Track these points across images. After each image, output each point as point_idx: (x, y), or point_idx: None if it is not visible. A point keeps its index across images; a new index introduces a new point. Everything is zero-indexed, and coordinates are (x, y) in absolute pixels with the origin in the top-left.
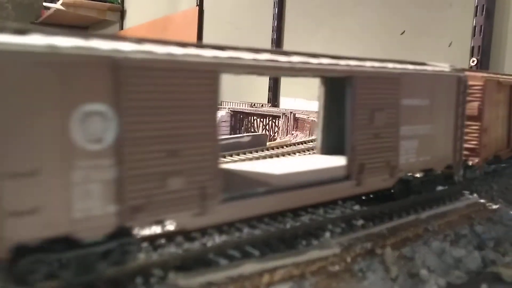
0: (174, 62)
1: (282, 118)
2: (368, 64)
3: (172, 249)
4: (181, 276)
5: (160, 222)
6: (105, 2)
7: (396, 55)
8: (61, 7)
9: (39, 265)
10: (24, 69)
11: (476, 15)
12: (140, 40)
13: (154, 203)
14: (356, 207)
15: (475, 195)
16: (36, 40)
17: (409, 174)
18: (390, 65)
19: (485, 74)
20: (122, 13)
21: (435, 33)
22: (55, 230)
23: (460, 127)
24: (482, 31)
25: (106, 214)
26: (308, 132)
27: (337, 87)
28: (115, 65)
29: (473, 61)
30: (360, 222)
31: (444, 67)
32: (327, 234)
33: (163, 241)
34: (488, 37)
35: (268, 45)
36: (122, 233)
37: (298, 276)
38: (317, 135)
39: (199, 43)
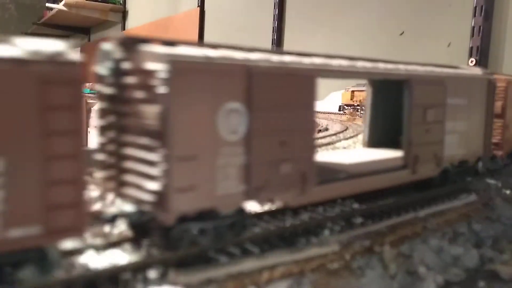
0: (286, 68)
1: None
2: (420, 68)
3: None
4: (181, 273)
5: (271, 200)
6: (107, 3)
7: (395, 55)
8: (64, 8)
9: (187, 233)
10: (189, 76)
11: (474, 16)
12: (258, 50)
13: (270, 184)
14: (355, 205)
15: (473, 193)
16: (191, 51)
17: (449, 165)
18: (437, 69)
19: (507, 76)
20: (124, 14)
21: (434, 34)
22: (205, 204)
23: (489, 124)
24: (480, 31)
25: (237, 192)
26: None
27: (384, 89)
28: (248, 71)
29: (471, 61)
30: (359, 220)
31: (476, 70)
32: (326, 232)
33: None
34: (486, 38)
35: (268, 45)
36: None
37: (298, 273)
38: (364, 130)
39: (297, 51)
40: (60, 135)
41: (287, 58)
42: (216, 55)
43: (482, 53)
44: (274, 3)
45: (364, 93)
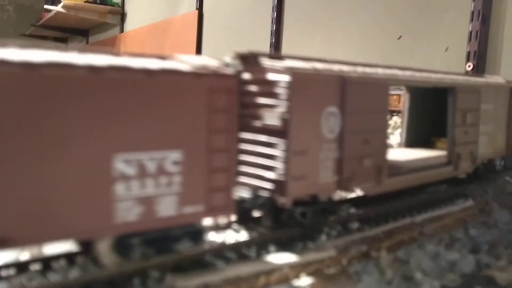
0: (368, 78)
1: None
2: (460, 78)
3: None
4: (179, 278)
5: (352, 190)
6: (106, 5)
7: (393, 59)
8: (62, 10)
9: (293, 214)
10: (303, 85)
11: (472, 21)
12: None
13: (355, 176)
14: (352, 210)
15: (470, 199)
16: (298, 64)
17: (481, 163)
18: (473, 78)
19: None
20: (122, 16)
21: (431, 38)
22: (311, 190)
23: (511, 127)
24: (478, 36)
25: (332, 182)
26: None
27: (420, 95)
28: (343, 81)
29: (469, 66)
30: (356, 225)
31: (499, 79)
32: (323, 237)
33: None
34: (484, 43)
35: (266, 48)
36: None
37: (294, 278)
38: (401, 133)
39: (370, 64)
40: (219, 133)
41: (366, 69)
42: (321, 67)
43: (480, 57)
44: (272, 6)
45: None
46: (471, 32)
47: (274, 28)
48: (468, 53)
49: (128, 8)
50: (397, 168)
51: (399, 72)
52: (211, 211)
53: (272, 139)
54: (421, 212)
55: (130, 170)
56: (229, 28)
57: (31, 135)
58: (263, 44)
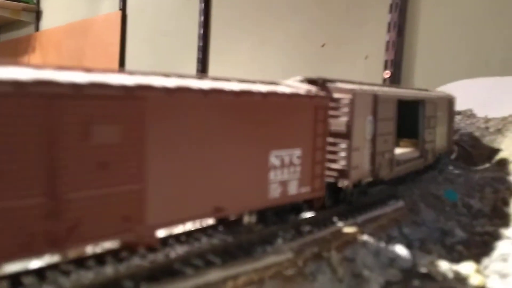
0: (387, 95)
1: None
2: (424, 93)
3: None
4: (153, 286)
5: (378, 176)
6: (19, 1)
7: (318, 65)
8: None
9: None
10: (358, 100)
11: (389, 31)
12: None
13: (380, 166)
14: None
15: (401, 200)
16: (346, 85)
17: (438, 155)
18: (433, 93)
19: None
20: (38, 14)
21: (353, 47)
22: (360, 176)
23: (451, 128)
24: (394, 46)
25: (368, 170)
26: None
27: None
28: (376, 97)
29: (386, 74)
30: (307, 228)
31: (442, 92)
32: (280, 241)
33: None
34: (399, 52)
35: (194, 52)
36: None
37: (258, 281)
38: None
39: (379, 83)
40: (319, 136)
41: (382, 88)
42: (362, 87)
43: (396, 66)
44: (200, 10)
45: None
46: (388, 42)
47: (201, 32)
48: (386, 62)
49: (44, 6)
50: (398, 160)
51: (397, 90)
52: (313, 191)
53: (338, 140)
54: (362, 213)
55: (277, 162)
56: (156, 31)
57: (231, 143)
58: (190, 48)
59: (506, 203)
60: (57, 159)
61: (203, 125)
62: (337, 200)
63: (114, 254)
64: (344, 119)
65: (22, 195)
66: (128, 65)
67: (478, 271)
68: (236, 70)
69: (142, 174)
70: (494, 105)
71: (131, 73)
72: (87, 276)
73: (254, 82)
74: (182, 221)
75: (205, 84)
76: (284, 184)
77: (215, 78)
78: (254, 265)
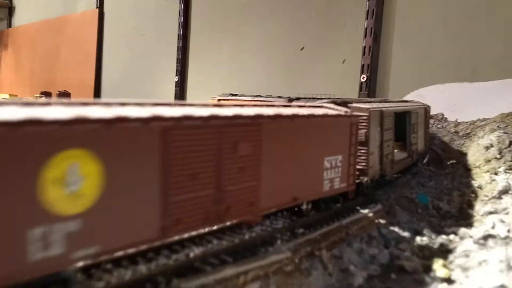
0: (389, 110)
1: None
2: (411, 105)
3: None
4: (182, 281)
5: (385, 173)
6: None
7: (299, 67)
8: None
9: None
10: (373, 117)
11: (365, 36)
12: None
13: (385, 165)
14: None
15: (379, 203)
16: (367, 105)
17: (419, 154)
18: (415, 105)
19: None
20: (10, 10)
21: (331, 50)
22: (374, 174)
23: (427, 132)
24: (370, 51)
25: (378, 169)
26: None
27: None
28: (381, 113)
29: (363, 78)
30: (301, 230)
31: (419, 103)
32: (279, 242)
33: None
34: (375, 57)
35: (174, 52)
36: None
37: (264, 276)
38: None
39: (384, 99)
40: (352, 145)
41: (385, 104)
42: (374, 105)
43: (372, 70)
44: (179, 11)
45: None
46: (364, 47)
47: (181, 32)
48: (362, 66)
49: (17, 2)
50: (396, 160)
51: (393, 104)
52: (348, 186)
53: (359, 147)
54: (346, 217)
55: (328, 165)
56: (134, 30)
57: (301, 151)
58: (169, 48)
59: (471, 206)
60: (221, 165)
61: (288, 140)
62: (357, 192)
63: (143, 255)
64: (363, 131)
65: (204, 187)
66: (105, 63)
67: (444, 265)
68: (215, 69)
69: (259, 175)
70: (463, 109)
71: (252, 106)
72: (126, 273)
73: (312, 105)
74: (276, 207)
75: (292, 110)
76: (331, 180)
77: (290, 106)
78: (260, 263)
